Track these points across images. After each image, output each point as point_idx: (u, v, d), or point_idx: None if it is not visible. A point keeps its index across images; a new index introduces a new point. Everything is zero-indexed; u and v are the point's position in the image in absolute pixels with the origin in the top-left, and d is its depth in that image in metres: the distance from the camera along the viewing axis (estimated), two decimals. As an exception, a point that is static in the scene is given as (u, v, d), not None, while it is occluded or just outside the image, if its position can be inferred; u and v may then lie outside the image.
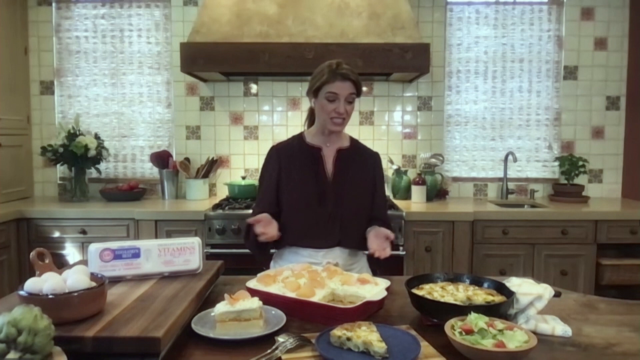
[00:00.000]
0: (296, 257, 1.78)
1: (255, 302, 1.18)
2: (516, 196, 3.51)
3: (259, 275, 1.43)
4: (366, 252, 1.80)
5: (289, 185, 1.80)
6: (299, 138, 1.89)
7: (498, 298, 1.23)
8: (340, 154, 1.84)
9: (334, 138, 1.85)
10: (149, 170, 3.53)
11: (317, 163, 1.82)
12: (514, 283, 1.24)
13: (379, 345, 1.00)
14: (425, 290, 1.27)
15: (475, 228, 2.89)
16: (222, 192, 3.44)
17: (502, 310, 1.16)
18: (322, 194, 1.78)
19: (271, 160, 1.86)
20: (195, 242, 1.41)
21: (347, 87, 1.71)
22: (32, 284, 1.05)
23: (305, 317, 1.25)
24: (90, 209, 2.94)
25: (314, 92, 1.76)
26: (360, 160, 1.86)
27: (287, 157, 1.84)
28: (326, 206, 1.76)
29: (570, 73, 3.48)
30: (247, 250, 2.74)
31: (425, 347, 1.06)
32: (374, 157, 1.92)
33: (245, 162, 3.53)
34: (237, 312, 1.15)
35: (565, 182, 3.38)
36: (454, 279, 1.37)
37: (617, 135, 3.51)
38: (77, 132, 3.20)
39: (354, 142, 1.91)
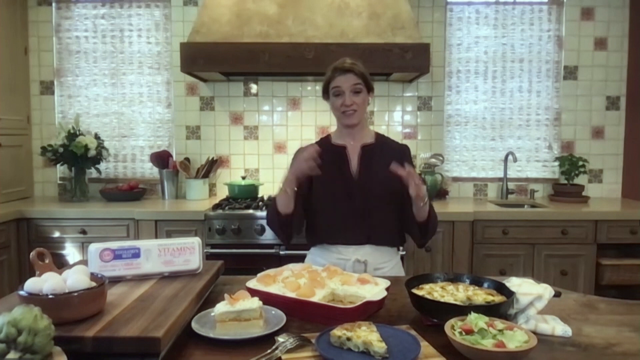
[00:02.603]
0: (326, 253, 1.80)
1: (255, 302, 1.17)
2: (516, 196, 3.51)
3: (259, 275, 1.43)
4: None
5: (318, 183, 1.81)
6: (325, 139, 1.92)
7: (498, 298, 1.23)
8: (364, 150, 1.85)
9: (357, 135, 1.85)
10: (149, 170, 3.53)
11: (343, 161, 1.83)
12: (514, 283, 1.24)
13: (379, 345, 1.00)
14: (425, 290, 1.27)
15: (475, 228, 2.89)
16: (222, 192, 3.44)
17: (502, 310, 1.16)
18: (349, 191, 1.79)
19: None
20: (195, 242, 1.41)
21: (349, 78, 1.75)
22: (32, 284, 1.05)
23: (305, 317, 1.25)
24: (90, 209, 2.94)
25: (326, 94, 1.82)
26: (386, 155, 1.84)
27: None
28: (353, 203, 1.77)
29: (570, 73, 3.48)
30: (247, 250, 2.78)
31: (425, 347, 1.06)
32: (402, 150, 1.90)
33: (245, 162, 3.53)
34: (237, 312, 1.15)
35: (565, 182, 3.38)
36: (454, 279, 1.37)
37: (617, 135, 3.51)
38: (77, 132, 3.20)
39: (380, 138, 1.91)
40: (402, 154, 1.88)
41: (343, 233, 1.78)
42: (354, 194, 1.78)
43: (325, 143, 1.89)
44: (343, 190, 1.79)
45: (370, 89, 1.81)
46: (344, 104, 1.75)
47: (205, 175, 3.34)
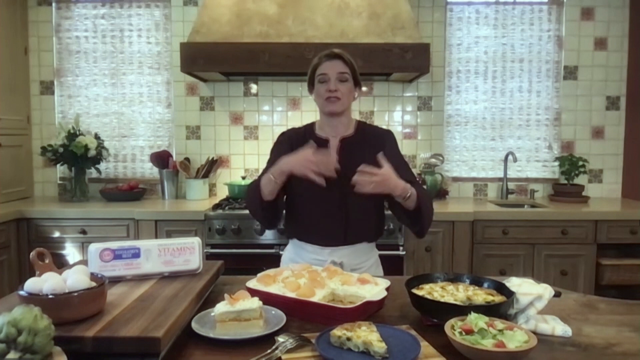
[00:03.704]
0: (303, 253, 1.79)
1: (255, 302, 1.17)
2: (516, 196, 3.51)
3: (259, 275, 1.43)
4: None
5: (297, 176, 1.79)
6: (309, 128, 1.88)
7: (498, 298, 1.23)
8: (343, 143, 1.81)
9: (340, 127, 1.81)
10: (149, 170, 3.53)
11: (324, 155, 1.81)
12: (514, 283, 1.24)
13: (379, 345, 1.00)
14: (425, 290, 1.27)
15: (475, 228, 2.89)
16: (222, 192, 3.44)
17: (502, 310, 1.16)
18: (328, 185, 1.75)
19: (283, 144, 1.84)
20: (195, 242, 1.41)
21: (336, 65, 1.72)
22: (32, 284, 1.04)
23: (305, 317, 1.25)
24: (90, 209, 2.94)
25: (311, 83, 1.79)
26: (366, 146, 1.80)
27: (298, 145, 1.81)
28: (332, 197, 1.74)
29: (570, 73, 3.49)
30: (247, 250, 2.78)
31: (425, 347, 1.06)
32: (382, 137, 1.84)
33: (245, 162, 3.53)
34: (237, 312, 1.15)
35: (565, 182, 3.38)
36: (454, 279, 1.37)
37: (617, 135, 3.51)
38: (77, 132, 3.20)
39: (361, 127, 1.86)
40: (382, 141, 1.82)
41: (320, 230, 1.75)
42: (333, 187, 1.74)
43: (309, 132, 1.86)
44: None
45: (357, 83, 1.77)
46: (329, 89, 1.71)
47: (205, 175, 3.34)
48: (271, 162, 1.85)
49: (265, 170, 1.84)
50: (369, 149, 1.79)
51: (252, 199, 1.74)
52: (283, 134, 1.89)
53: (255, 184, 1.72)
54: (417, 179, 1.86)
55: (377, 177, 1.51)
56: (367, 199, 1.76)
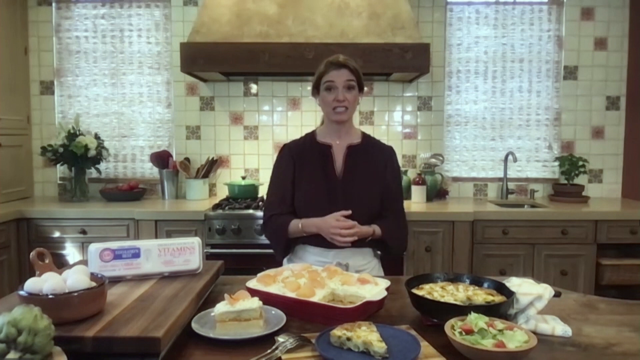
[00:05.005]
0: (307, 255, 1.80)
1: (255, 302, 1.17)
2: (516, 196, 3.51)
3: (259, 275, 1.43)
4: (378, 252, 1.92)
5: (300, 183, 1.81)
6: (310, 136, 1.91)
7: (498, 298, 1.23)
8: (350, 150, 1.83)
9: (344, 134, 1.84)
10: (149, 170, 3.53)
11: (327, 160, 1.82)
12: (514, 283, 1.24)
13: (379, 345, 1.00)
14: (425, 290, 1.27)
15: (475, 228, 2.89)
16: (222, 192, 3.44)
17: (502, 310, 1.16)
18: (332, 191, 1.78)
19: (285, 157, 1.87)
20: (195, 242, 1.41)
21: (343, 74, 1.74)
22: (32, 284, 1.05)
23: (305, 317, 1.25)
24: (90, 209, 2.94)
25: (316, 88, 1.80)
26: (371, 156, 1.85)
27: (299, 155, 1.85)
28: (335, 204, 1.76)
29: (570, 73, 3.48)
30: (247, 250, 2.79)
31: (425, 347, 1.06)
32: (387, 152, 1.89)
33: (245, 162, 3.53)
34: (237, 312, 1.15)
35: (565, 182, 3.38)
36: (454, 279, 1.37)
37: (617, 135, 3.51)
38: (77, 132, 3.20)
39: (366, 138, 1.90)
40: (387, 156, 1.88)
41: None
42: (337, 193, 1.78)
43: (310, 140, 1.88)
44: (326, 189, 1.78)
45: (361, 88, 1.80)
46: (336, 99, 1.74)
47: (205, 175, 3.34)
48: (277, 178, 1.87)
49: (272, 190, 1.87)
50: (373, 161, 1.85)
51: (275, 235, 1.83)
52: (284, 147, 1.91)
53: (281, 226, 1.79)
54: (403, 202, 1.94)
55: (352, 231, 1.69)
56: (368, 205, 1.78)
